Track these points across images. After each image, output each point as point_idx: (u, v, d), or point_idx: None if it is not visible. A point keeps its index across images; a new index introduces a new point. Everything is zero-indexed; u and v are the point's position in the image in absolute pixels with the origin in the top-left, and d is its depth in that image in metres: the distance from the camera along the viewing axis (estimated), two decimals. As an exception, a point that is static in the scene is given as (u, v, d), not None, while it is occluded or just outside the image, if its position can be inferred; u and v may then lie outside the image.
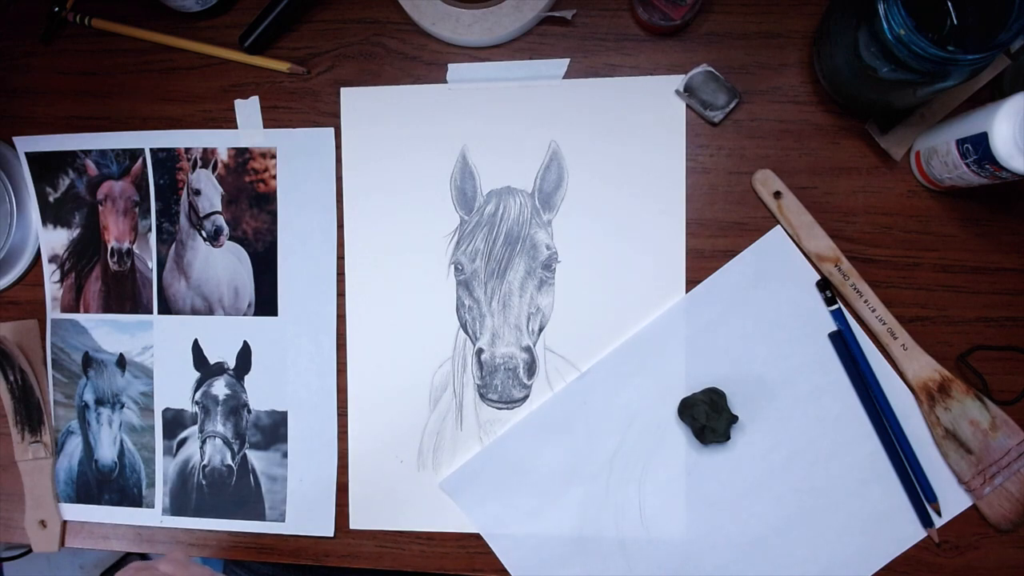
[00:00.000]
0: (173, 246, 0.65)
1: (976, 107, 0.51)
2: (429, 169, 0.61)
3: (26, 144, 0.66)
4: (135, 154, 0.65)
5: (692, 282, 0.59)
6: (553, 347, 0.60)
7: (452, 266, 0.61)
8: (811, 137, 0.59)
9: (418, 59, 0.62)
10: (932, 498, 0.57)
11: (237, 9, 0.64)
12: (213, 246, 0.64)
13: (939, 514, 0.58)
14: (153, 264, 0.65)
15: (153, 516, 0.65)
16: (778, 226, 0.59)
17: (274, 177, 0.63)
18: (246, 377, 0.64)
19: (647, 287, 0.59)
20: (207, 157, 0.64)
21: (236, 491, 0.64)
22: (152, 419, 0.65)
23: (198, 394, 0.65)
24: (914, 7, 0.44)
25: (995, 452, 0.57)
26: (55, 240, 0.66)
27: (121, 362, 0.65)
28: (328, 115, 0.62)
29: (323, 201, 0.63)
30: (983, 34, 0.46)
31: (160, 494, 0.65)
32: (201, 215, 0.64)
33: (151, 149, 0.65)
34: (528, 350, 0.60)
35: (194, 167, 0.64)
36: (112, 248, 0.65)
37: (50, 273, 0.67)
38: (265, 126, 0.63)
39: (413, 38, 0.62)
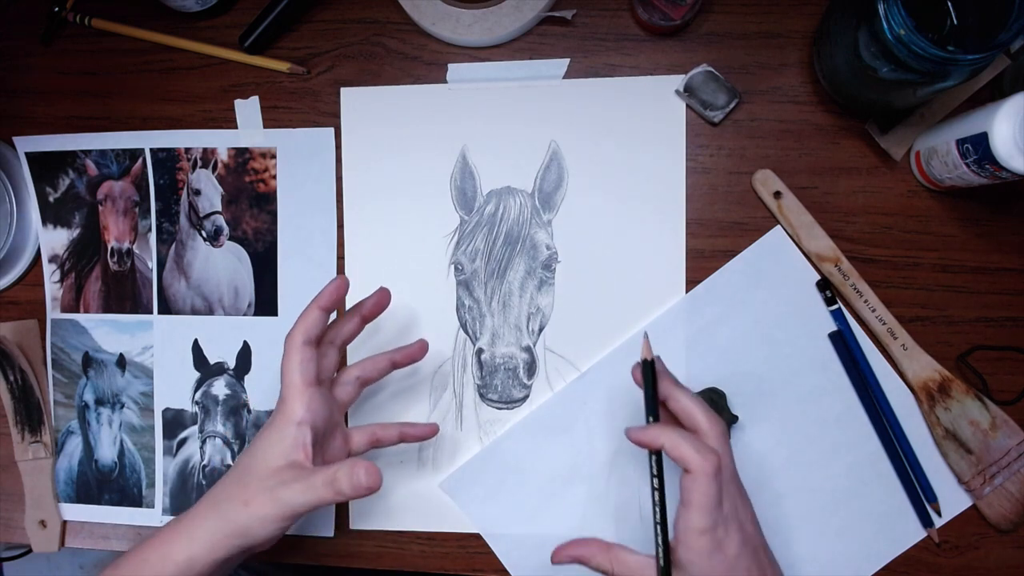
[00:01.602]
0: (173, 246, 0.65)
1: (976, 107, 0.51)
2: (429, 169, 0.61)
3: (26, 144, 0.66)
4: (135, 154, 0.65)
5: (692, 282, 0.59)
6: (553, 347, 0.60)
7: (452, 266, 0.61)
8: (811, 137, 0.59)
9: (418, 59, 0.62)
10: (932, 498, 0.57)
11: (237, 9, 0.64)
12: (213, 246, 0.64)
13: (939, 514, 0.58)
14: (153, 264, 0.65)
15: (153, 516, 0.65)
16: (778, 226, 0.59)
17: (274, 177, 0.63)
18: (246, 377, 0.64)
19: (647, 287, 0.59)
20: (207, 157, 0.64)
21: (236, 491, 0.64)
22: (152, 419, 0.65)
23: (198, 394, 0.65)
24: (914, 7, 0.44)
25: (995, 452, 0.57)
26: (55, 240, 0.66)
27: (121, 362, 0.65)
28: (328, 115, 0.62)
29: (323, 201, 0.63)
30: (983, 34, 0.46)
31: (160, 494, 0.65)
32: (201, 215, 0.64)
33: (151, 149, 0.65)
34: (528, 350, 0.60)
35: (194, 167, 0.64)
36: (112, 248, 0.65)
37: (50, 273, 0.67)
38: (265, 126, 0.63)
39: (413, 38, 0.62)
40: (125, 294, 0.65)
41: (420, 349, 0.57)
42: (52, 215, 0.66)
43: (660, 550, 0.45)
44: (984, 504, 0.57)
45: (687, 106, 0.59)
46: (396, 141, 0.62)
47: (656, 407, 0.47)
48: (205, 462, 0.64)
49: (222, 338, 0.64)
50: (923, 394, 0.57)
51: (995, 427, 0.57)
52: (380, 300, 0.54)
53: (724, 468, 0.44)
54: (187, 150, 0.64)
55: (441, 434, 0.61)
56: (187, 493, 0.65)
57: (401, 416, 0.62)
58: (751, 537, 0.46)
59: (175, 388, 0.65)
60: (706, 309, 0.59)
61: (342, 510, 0.63)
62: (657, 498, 0.46)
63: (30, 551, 0.67)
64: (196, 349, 0.65)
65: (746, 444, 0.59)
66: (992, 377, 0.57)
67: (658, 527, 0.45)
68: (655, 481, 0.46)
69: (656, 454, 0.46)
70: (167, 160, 0.64)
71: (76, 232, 0.66)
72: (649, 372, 0.47)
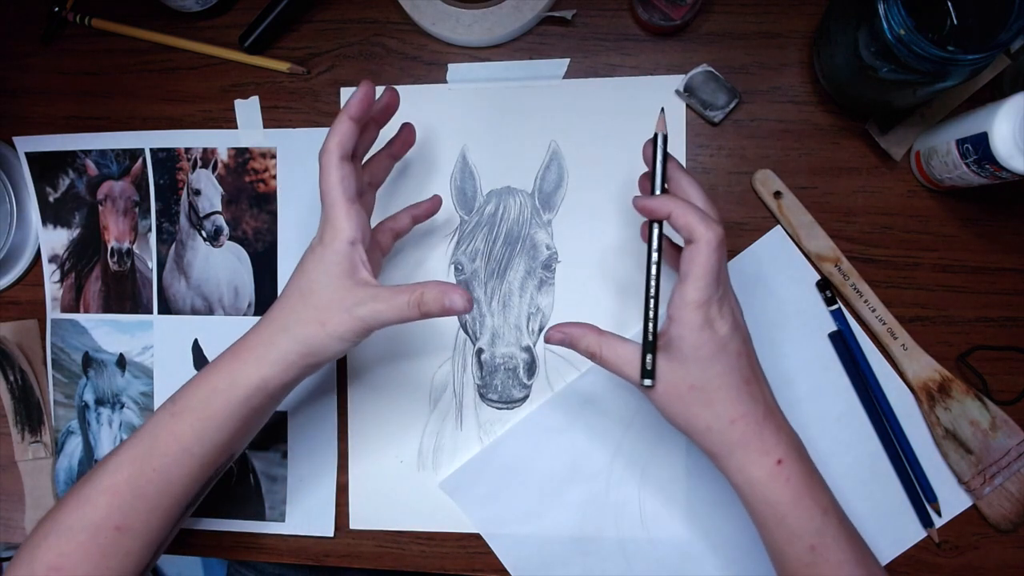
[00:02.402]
0: (173, 246, 0.65)
1: (976, 107, 0.51)
2: (429, 169, 0.61)
3: (26, 144, 0.66)
4: (135, 154, 0.65)
5: (692, 282, 0.59)
6: (553, 347, 0.60)
7: (452, 266, 0.61)
8: (811, 137, 0.59)
9: (418, 59, 0.62)
10: (932, 498, 0.57)
11: (237, 9, 0.64)
12: (213, 246, 0.64)
13: (939, 514, 0.58)
14: (153, 264, 0.65)
15: (153, 516, 0.65)
16: (778, 226, 0.59)
17: (274, 177, 0.63)
18: (246, 377, 0.64)
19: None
20: (207, 157, 0.64)
21: (236, 491, 0.64)
22: (152, 419, 0.65)
23: (198, 394, 0.65)
24: (914, 7, 0.44)
25: (995, 452, 0.57)
26: (55, 240, 0.66)
27: (121, 362, 0.65)
28: (328, 115, 0.62)
29: (323, 201, 0.63)
30: (983, 34, 0.46)
31: (160, 494, 0.65)
32: (201, 215, 0.64)
33: (151, 149, 0.65)
34: (528, 350, 0.60)
35: (194, 167, 0.64)
36: (112, 248, 0.65)
37: (50, 273, 0.67)
38: (265, 126, 0.63)
39: (413, 38, 0.62)
40: (125, 294, 0.65)
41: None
42: (52, 215, 0.66)
43: (648, 324, 0.46)
44: (984, 504, 0.57)
45: (687, 106, 0.59)
46: (396, 141, 0.62)
47: (664, 181, 0.47)
48: (205, 462, 0.64)
49: (222, 338, 0.64)
50: (923, 394, 0.57)
51: (995, 427, 0.57)
52: (390, 101, 0.53)
53: (723, 245, 0.44)
54: (187, 150, 0.64)
55: (441, 434, 0.61)
56: (187, 493, 0.65)
57: (400, 420, 0.62)
58: (741, 326, 0.46)
59: (175, 388, 0.65)
60: (706, 309, 0.59)
61: (342, 510, 0.63)
62: (654, 271, 0.46)
63: (30, 551, 0.67)
64: (196, 349, 0.65)
65: (746, 444, 0.59)
66: (992, 377, 0.57)
67: (651, 300, 0.46)
68: (655, 255, 0.46)
69: (659, 225, 0.46)
70: (167, 160, 0.64)
71: (76, 232, 0.66)
72: (661, 146, 0.47)
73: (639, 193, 0.48)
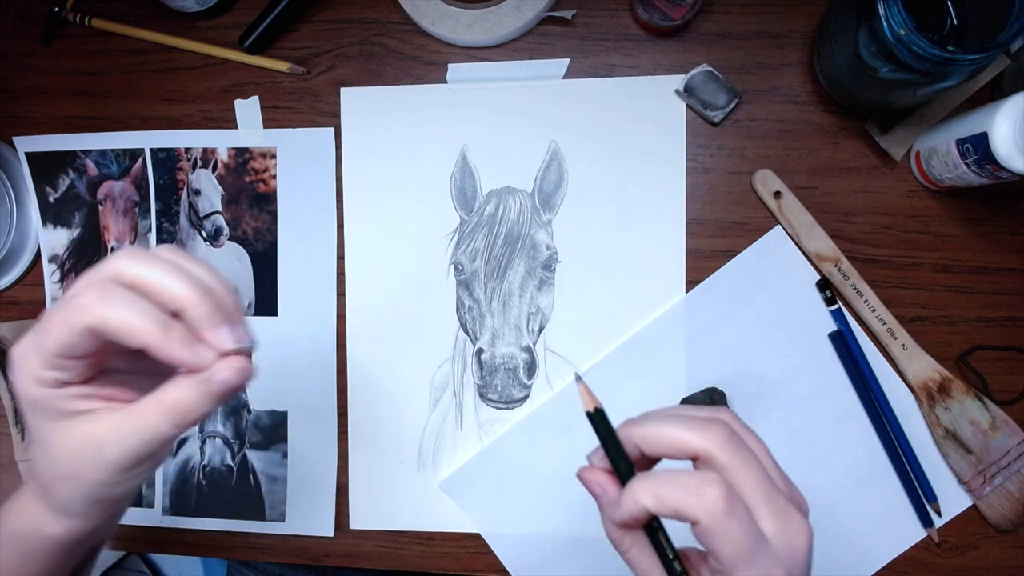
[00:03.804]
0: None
1: (976, 107, 0.51)
2: (429, 169, 0.61)
3: (26, 144, 0.66)
4: (135, 154, 0.65)
5: (692, 282, 0.59)
6: (553, 347, 0.60)
7: (452, 266, 0.61)
8: (811, 137, 0.59)
9: (418, 59, 0.62)
10: (932, 498, 0.57)
11: (237, 9, 0.64)
12: (213, 246, 0.64)
13: (939, 514, 0.58)
14: (153, 264, 0.65)
15: (153, 516, 0.65)
16: (778, 226, 0.59)
17: (274, 177, 0.63)
18: (246, 377, 0.64)
19: (647, 287, 0.59)
20: (207, 157, 0.64)
21: (236, 491, 0.64)
22: (152, 419, 0.65)
23: (198, 394, 0.64)
24: (914, 7, 0.44)
25: (995, 452, 0.57)
26: (55, 240, 0.66)
27: (121, 362, 0.65)
28: (328, 115, 0.62)
29: (323, 201, 0.63)
30: (983, 34, 0.46)
31: (160, 494, 0.65)
32: (201, 215, 0.64)
33: (151, 149, 0.65)
34: (528, 350, 0.60)
35: (194, 167, 0.64)
36: (112, 248, 0.65)
37: (50, 273, 0.67)
38: (265, 126, 0.63)
39: (413, 38, 0.62)
40: (125, 294, 0.65)
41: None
42: (52, 215, 0.66)
43: None
44: (984, 504, 0.57)
45: (687, 106, 0.59)
46: (396, 141, 0.62)
47: (628, 464, 0.34)
48: (205, 462, 0.64)
49: (222, 338, 0.64)
50: (923, 394, 0.57)
51: (995, 427, 0.57)
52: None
53: (741, 485, 0.31)
54: (187, 150, 0.64)
55: (441, 434, 0.62)
56: (187, 493, 0.65)
57: (400, 420, 0.62)
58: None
59: (175, 388, 0.65)
60: (706, 309, 0.59)
61: (342, 510, 0.63)
62: None
63: (30, 551, 0.67)
64: (196, 349, 0.64)
65: (746, 444, 0.59)
66: (992, 377, 0.57)
67: None
68: (677, 564, 0.32)
69: (656, 526, 0.33)
70: (167, 160, 0.64)
71: (76, 232, 0.66)
72: (600, 422, 0.34)
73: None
